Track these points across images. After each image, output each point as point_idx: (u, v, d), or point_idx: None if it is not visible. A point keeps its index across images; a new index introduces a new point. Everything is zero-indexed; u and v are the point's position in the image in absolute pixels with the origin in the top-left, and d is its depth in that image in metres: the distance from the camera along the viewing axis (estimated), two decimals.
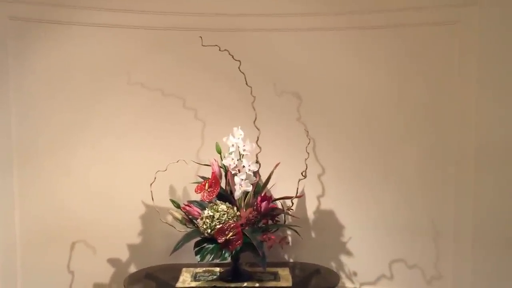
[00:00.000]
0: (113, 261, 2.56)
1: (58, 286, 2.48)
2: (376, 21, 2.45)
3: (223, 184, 2.36)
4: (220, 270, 2.45)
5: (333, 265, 2.60)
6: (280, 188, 2.47)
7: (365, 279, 2.57)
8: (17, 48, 2.34)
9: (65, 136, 2.47)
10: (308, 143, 2.35)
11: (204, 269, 2.48)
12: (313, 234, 2.63)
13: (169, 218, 2.38)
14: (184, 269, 2.48)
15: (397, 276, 2.52)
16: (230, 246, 2.15)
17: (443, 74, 2.37)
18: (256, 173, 2.29)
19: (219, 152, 2.39)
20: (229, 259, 2.23)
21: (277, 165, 2.38)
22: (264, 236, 2.19)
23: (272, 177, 2.39)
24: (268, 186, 2.41)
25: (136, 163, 2.57)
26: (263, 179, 2.41)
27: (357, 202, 2.57)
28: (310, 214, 2.63)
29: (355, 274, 2.59)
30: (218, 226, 2.18)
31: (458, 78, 2.33)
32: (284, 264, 2.55)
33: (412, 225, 2.47)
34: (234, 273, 2.36)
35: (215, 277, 2.38)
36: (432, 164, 2.42)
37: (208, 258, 2.16)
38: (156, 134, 2.59)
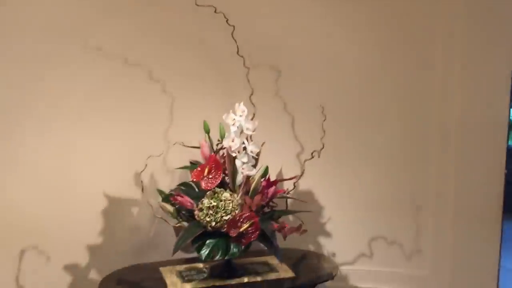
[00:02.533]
0: (70, 268, 2.10)
1: None
2: None
3: None
4: (205, 266, 2.16)
5: (311, 247, 2.47)
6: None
7: (343, 259, 2.48)
8: None
9: (7, 117, 1.94)
10: (324, 120, 2.16)
11: (185, 266, 2.16)
12: (290, 217, 2.45)
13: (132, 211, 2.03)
14: (161, 268, 2.13)
15: (377, 253, 2.47)
16: (243, 240, 1.88)
17: (428, 48, 2.33)
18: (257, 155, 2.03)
19: (208, 132, 2.07)
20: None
21: (262, 144, 2.15)
22: (277, 225, 1.96)
23: None
24: None
25: (94, 148, 2.13)
26: None
27: (337, 181, 2.45)
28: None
29: (333, 255, 2.48)
30: (225, 218, 1.89)
31: (443, 53, 2.31)
32: (265, 252, 2.33)
33: (393, 202, 2.44)
34: (227, 268, 2.09)
35: (205, 274, 2.08)
36: (414, 140, 2.40)
37: (217, 255, 1.88)
38: (117, 111, 2.16)
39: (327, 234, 2.48)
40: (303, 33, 2.34)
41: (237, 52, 2.07)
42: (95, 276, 2.13)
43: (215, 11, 1.95)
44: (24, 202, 1.99)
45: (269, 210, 2.13)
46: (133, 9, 2.12)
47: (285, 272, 2.13)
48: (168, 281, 2.02)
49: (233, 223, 1.87)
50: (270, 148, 2.26)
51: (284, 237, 1.97)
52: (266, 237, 1.93)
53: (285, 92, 2.36)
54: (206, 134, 2.07)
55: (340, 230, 2.48)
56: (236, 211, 1.92)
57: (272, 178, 2.11)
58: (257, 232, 1.87)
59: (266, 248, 2.32)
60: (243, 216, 1.88)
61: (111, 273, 2.09)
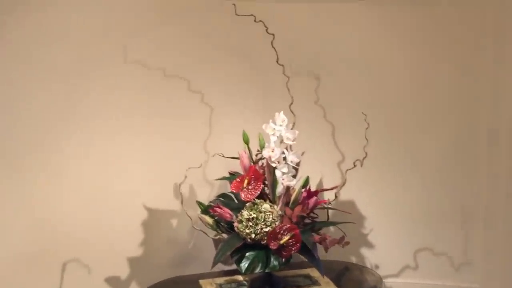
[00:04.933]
0: (111, 280, 2.10)
1: None
2: None
3: None
4: (245, 278, 2.12)
5: (353, 259, 2.40)
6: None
7: (387, 271, 2.39)
8: None
9: (50, 126, 1.96)
10: (367, 128, 2.10)
11: (224, 278, 2.12)
12: (331, 228, 2.39)
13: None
14: (200, 281, 2.10)
15: (422, 265, 2.38)
16: (284, 252, 1.84)
17: (476, 54, 2.22)
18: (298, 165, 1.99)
19: (247, 142, 2.04)
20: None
21: (302, 153, 2.11)
22: (318, 237, 1.91)
23: None
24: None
25: (134, 159, 2.13)
26: None
27: (381, 190, 2.37)
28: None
29: (377, 267, 2.40)
30: (265, 230, 1.85)
31: (493, 58, 2.20)
32: (307, 264, 2.29)
33: (440, 211, 2.34)
34: (268, 280, 2.05)
35: (246, 287, 2.05)
36: (463, 147, 2.29)
37: (257, 268, 1.84)
38: (156, 122, 2.15)
39: (370, 246, 2.41)
40: (343, 40, 2.28)
41: (277, 61, 2.03)
42: None
43: (254, 20, 1.93)
44: (66, 215, 2.00)
45: (310, 221, 2.08)
46: (171, 21, 2.11)
47: (327, 285, 2.07)
48: None
49: (274, 235, 1.83)
50: (310, 157, 2.21)
51: (326, 250, 1.92)
52: (307, 250, 1.88)
53: (325, 101, 2.31)
54: (246, 145, 2.04)
55: (384, 241, 2.40)
56: (276, 223, 1.88)
57: (313, 188, 2.06)
58: (298, 245, 1.82)
59: (306, 260, 2.29)
60: (284, 228, 1.83)
61: (151, 285, 2.08)
